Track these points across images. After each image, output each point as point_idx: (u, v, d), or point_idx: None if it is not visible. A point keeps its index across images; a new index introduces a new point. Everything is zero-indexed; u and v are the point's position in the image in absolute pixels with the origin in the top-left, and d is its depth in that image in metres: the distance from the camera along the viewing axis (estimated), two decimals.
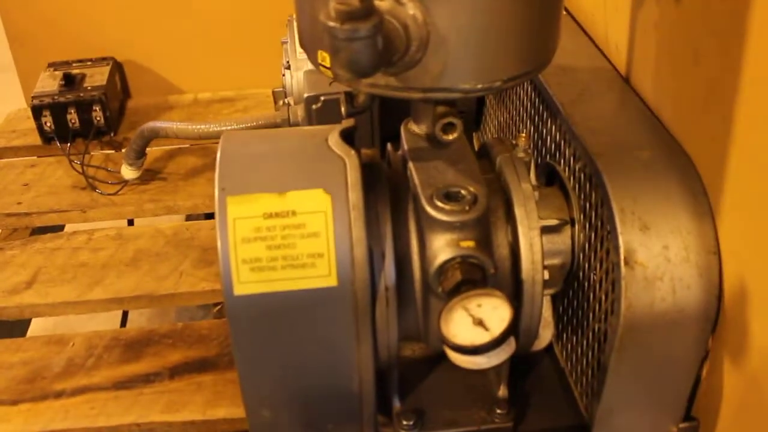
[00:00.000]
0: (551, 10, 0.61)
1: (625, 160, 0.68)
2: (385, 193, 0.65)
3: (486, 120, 1.13)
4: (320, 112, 0.97)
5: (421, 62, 0.56)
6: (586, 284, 0.71)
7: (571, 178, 0.74)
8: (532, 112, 0.88)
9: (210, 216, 1.40)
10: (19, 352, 1.05)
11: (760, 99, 0.58)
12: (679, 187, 0.66)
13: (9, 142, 1.45)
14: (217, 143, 0.64)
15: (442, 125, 0.63)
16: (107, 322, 1.47)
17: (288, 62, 1.04)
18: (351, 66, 0.52)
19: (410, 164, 0.66)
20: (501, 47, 0.58)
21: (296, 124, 1.02)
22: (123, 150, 1.33)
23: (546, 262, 0.67)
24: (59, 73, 1.43)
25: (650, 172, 0.67)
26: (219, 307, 1.30)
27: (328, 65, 0.54)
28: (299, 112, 1.01)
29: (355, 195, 0.60)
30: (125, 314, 1.52)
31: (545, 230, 0.69)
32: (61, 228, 1.39)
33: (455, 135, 0.63)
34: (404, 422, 0.71)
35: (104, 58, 1.51)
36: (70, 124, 1.37)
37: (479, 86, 0.59)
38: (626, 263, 0.63)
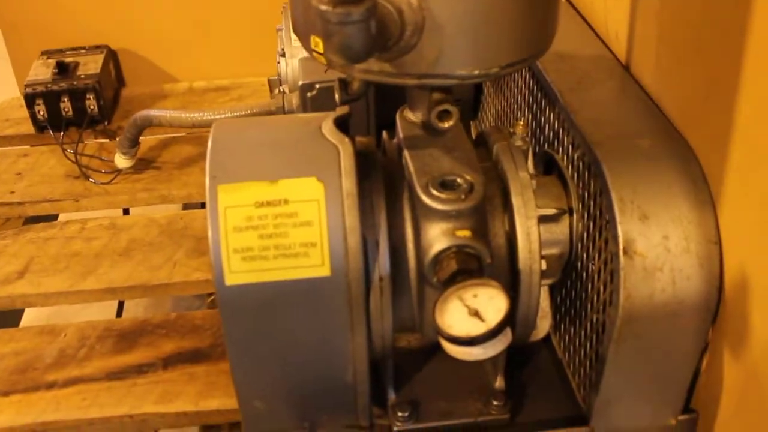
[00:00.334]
0: None
1: (624, 149, 0.67)
2: (380, 181, 0.64)
3: (483, 108, 1.12)
4: (315, 99, 0.96)
5: (417, 48, 0.55)
6: (584, 274, 0.71)
7: (570, 167, 0.73)
8: (530, 99, 0.87)
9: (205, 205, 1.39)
10: (12, 343, 1.04)
11: (761, 88, 0.58)
12: (680, 176, 0.65)
13: (2, 131, 1.44)
14: None
15: (438, 113, 0.62)
16: (102, 312, 1.47)
17: (283, 50, 1.03)
18: (344, 51, 0.51)
19: (405, 152, 0.65)
20: (498, 32, 0.57)
21: (291, 112, 1.01)
22: (117, 139, 1.32)
23: (544, 252, 0.66)
24: (52, 62, 1.41)
25: (650, 161, 0.66)
26: (212, 297, 1.29)
27: (321, 51, 0.53)
28: (294, 99, 1.00)
29: (348, 183, 0.59)
30: (120, 305, 1.52)
31: (543, 219, 0.68)
32: (54, 217, 1.38)
33: (451, 123, 0.62)
34: (399, 414, 0.70)
35: (98, 46, 1.50)
36: (64, 113, 1.36)
37: (476, 72, 0.58)
38: (625, 253, 0.62)
